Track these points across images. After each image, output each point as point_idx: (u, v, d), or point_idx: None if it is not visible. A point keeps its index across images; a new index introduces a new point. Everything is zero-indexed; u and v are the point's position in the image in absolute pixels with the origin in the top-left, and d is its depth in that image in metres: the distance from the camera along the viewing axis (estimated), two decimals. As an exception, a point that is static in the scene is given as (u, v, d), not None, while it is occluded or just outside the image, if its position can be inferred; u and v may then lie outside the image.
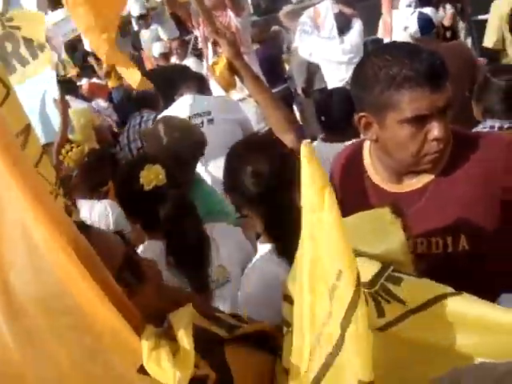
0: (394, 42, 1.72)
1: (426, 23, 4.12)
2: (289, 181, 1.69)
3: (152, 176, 1.93)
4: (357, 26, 5.79)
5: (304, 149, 0.98)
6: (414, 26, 4.14)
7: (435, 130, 1.45)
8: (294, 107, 6.80)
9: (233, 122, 3.74)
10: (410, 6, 5.80)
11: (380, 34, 6.09)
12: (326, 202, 0.98)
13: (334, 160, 1.87)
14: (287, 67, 7.25)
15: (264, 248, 1.80)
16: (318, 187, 0.98)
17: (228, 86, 2.25)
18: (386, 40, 5.17)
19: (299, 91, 6.68)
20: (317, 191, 0.98)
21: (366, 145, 1.71)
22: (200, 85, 4.02)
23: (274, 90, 6.08)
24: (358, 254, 1.15)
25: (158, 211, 1.94)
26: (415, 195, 1.59)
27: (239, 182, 1.76)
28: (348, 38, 5.74)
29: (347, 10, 5.99)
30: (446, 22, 5.50)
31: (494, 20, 5.09)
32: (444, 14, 5.56)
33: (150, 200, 1.94)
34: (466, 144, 1.58)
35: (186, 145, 2.52)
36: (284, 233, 1.64)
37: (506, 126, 2.51)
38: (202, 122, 3.57)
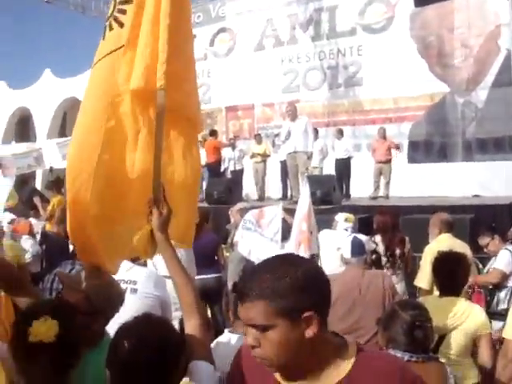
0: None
1: (357, 247, 4.39)
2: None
3: (43, 329, 1.86)
4: None
5: None
6: (346, 248, 4.41)
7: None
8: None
9: (154, 298, 3.79)
10: (346, 229, 6.21)
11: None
12: None
13: (238, 354, 1.87)
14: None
15: None
16: None
17: (144, 254, 2.28)
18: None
19: (229, 286, 6.80)
20: None
21: None
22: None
23: (206, 276, 6.24)
24: None
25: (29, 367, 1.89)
26: None
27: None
28: (288, 245, 5.98)
29: (289, 219, 6.34)
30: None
31: (425, 263, 5.46)
32: (375, 244, 5.98)
33: (27, 352, 1.88)
34: (368, 359, 1.67)
35: (104, 293, 2.49)
36: None
37: (406, 358, 2.65)
38: (126, 289, 3.54)
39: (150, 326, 1.88)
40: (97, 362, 2.30)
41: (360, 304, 4.10)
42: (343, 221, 6.40)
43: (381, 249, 5.96)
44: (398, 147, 13.36)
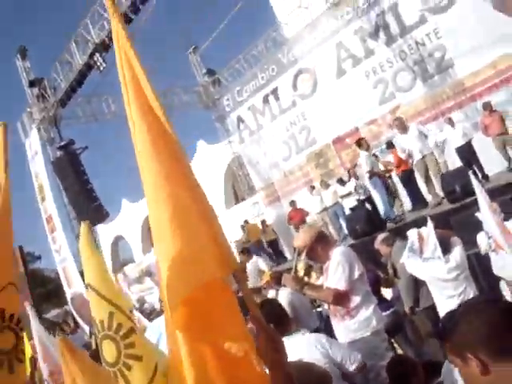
0: None
1: None
2: None
3: None
4: (458, 244, 5.92)
5: None
6: None
7: None
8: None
9: None
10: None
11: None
12: None
13: None
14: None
15: None
16: None
17: None
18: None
19: (407, 310, 6.72)
20: None
21: None
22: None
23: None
24: None
25: None
26: None
27: None
28: (453, 256, 5.79)
29: (444, 232, 6.18)
30: None
31: None
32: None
33: None
34: None
35: None
36: None
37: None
38: None
39: None
40: None
41: None
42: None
43: None
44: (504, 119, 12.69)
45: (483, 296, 1.97)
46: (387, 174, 13.63)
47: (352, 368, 3.64)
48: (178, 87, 22.87)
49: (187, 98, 23.14)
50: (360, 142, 13.10)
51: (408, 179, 12.65)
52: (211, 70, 22.99)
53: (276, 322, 3.97)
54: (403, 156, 11.92)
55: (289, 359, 3.24)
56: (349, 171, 15.42)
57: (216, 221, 2.12)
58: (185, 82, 23.37)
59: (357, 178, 14.53)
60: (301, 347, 3.70)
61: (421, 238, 5.93)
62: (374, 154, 14.72)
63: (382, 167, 13.40)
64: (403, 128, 11.63)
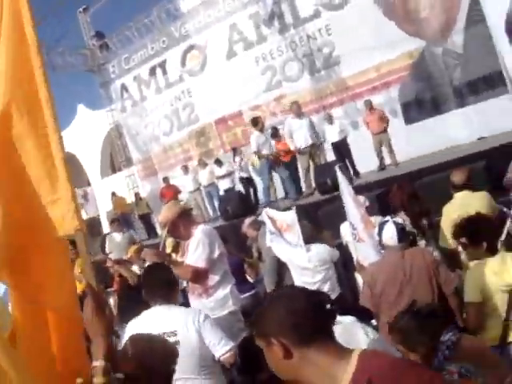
0: None
1: (402, 233, 4.28)
2: None
3: None
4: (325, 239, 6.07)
5: None
6: (391, 235, 4.28)
7: None
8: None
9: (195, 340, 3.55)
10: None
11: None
12: None
13: None
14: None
15: None
16: None
17: None
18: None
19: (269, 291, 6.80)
20: None
21: None
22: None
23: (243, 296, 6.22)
24: None
25: None
26: None
27: None
28: (315, 247, 5.94)
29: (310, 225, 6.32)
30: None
31: (446, 223, 5.46)
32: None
33: None
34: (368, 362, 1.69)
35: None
36: None
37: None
38: None
39: None
40: None
41: (408, 286, 4.10)
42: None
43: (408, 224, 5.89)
44: (384, 119, 13.23)
45: (290, 285, 2.13)
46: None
47: (218, 354, 3.53)
48: (62, 46, 21.74)
49: (72, 59, 22.06)
50: (256, 121, 13.04)
51: (291, 167, 12.82)
52: (100, 34, 22.03)
53: (167, 285, 3.83)
54: (290, 144, 12.09)
55: (165, 329, 3.36)
56: (234, 149, 15.21)
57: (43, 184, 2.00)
58: (71, 42, 22.25)
59: (241, 155, 14.46)
60: (179, 319, 3.58)
61: (272, 220, 6.06)
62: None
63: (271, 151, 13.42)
64: (299, 114, 11.78)
